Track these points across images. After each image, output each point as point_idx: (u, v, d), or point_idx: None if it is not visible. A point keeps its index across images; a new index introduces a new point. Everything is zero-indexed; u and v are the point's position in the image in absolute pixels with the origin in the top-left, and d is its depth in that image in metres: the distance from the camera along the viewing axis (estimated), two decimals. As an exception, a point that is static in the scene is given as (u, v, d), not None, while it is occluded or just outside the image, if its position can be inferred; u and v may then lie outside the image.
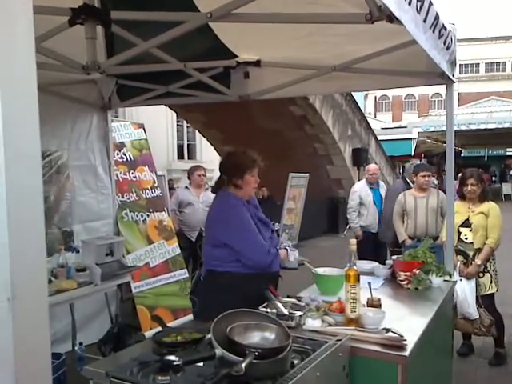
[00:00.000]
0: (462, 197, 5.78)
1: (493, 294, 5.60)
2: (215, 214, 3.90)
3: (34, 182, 1.06)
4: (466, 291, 5.34)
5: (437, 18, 3.25)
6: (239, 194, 3.85)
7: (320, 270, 3.92)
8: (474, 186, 5.61)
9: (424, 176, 6.94)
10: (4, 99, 0.99)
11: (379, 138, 22.19)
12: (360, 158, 17.89)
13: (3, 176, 0.99)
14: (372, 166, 9.02)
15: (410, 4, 2.69)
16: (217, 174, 3.96)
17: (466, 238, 5.61)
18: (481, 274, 5.55)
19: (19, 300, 1.02)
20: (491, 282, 5.55)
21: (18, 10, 1.01)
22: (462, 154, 35.46)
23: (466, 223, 5.61)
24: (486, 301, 5.49)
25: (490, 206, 5.67)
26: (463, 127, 28.09)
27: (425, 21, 3.05)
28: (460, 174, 6.09)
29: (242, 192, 3.86)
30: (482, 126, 30.08)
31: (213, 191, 4.07)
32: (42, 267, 1.10)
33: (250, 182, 3.86)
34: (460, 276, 5.38)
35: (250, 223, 3.74)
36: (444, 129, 4.84)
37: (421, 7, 2.89)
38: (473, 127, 29.69)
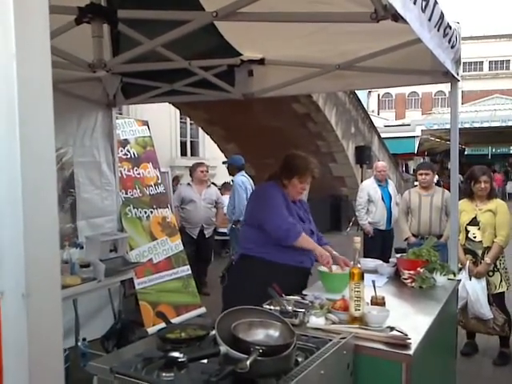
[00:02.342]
0: (469, 195, 5.73)
1: (503, 292, 5.58)
2: (253, 194, 4.30)
3: (48, 180, 1.07)
4: (477, 291, 5.32)
5: (442, 16, 3.26)
6: (284, 191, 4.05)
7: (325, 268, 3.92)
8: (488, 184, 5.56)
9: (421, 174, 6.99)
10: (20, 98, 1.00)
11: (382, 135, 22.13)
12: (363, 155, 17.87)
13: (19, 174, 1.00)
14: (380, 164, 9.05)
15: (415, 3, 2.69)
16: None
17: (475, 237, 5.56)
18: (490, 273, 5.51)
19: (33, 297, 1.04)
20: (501, 280, 5.51)
21: (34, 8, 1.03)
22: (466, 152, 35.38)
23: (474, 221, 5.56)
24: (496, 299, 5.47)
25: (497, 204, 5.61)
26: (467, 125, 28.05)
27: (430, 19, 3.05)
28: (468, 172, 5.96)
29: (285, 191, 4.06)
30: (486, 124, 30.03)
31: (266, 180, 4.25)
32: (55, 264, 1.11)
33: (296, 186, 4.06)
34: (469, 275, 5.37)
35: (279, 202, 3.91)
36: (447, 127, 4.86)
37: (426, 6, 2.89)
38: (476, 125, 29.64)
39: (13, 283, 1.04)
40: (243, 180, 8.34)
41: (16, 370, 1.05)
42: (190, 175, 8.66)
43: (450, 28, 3.60)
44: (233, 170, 8.56)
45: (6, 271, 1.06)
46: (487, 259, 5.44)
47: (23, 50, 1.01)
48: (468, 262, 5.43)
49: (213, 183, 14.07)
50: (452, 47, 3.86)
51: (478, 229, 5.54)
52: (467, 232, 5.58)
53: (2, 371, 1.06)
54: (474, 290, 5.31)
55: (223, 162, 9.23)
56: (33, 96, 1.04)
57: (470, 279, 5.35)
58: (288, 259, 3.87)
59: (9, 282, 1.05)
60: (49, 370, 1.10)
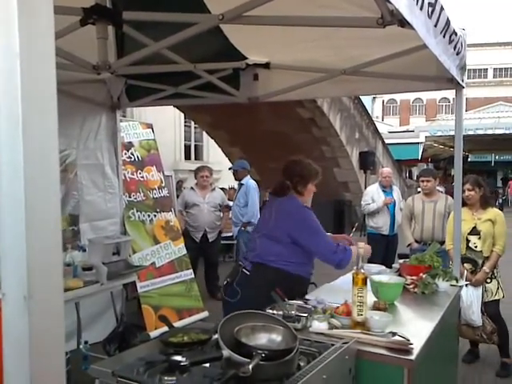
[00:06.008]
0: (465, 203, 5.72)
1: (498, 300, 5.56)
2: (288, 212, 3.92)
3: (51, 181, 1.07)
4: (471, 297, 5.31)
5: (448, 23, 3.25)
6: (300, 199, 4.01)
7: (378, 277, 3.82)
8: (471, 191, 5.58)
9: (423, 181, 7.04)
10: (24, 97, 1.00)
11: (386, 141, 22.14)
12: (367, 161, 17.87)
13: (22, 175, 1.00)
14: (385, 170, 9.08)
15: (421, 9, 2.68)
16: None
17: (476, 246, 5.54)
18: (488, 280, 5.50)
19: (35, 299, 1.03)
20: (498, 288, 5.51)
21: (38, 6, 1.03)
22: (469, 159, 35.34)
23: (475, 231, 5.55)
24: (491, 307, 5.45)
25: (496, 213, 5.64)
26: (470, 132, 28.02)
27: (436, 25, 3.05)
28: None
29: (302, 199, 4.02)
30: (490, 132, 30.01)
31: (275, 194, 4.08)
32: (58, 266, 1.10)
33: (311, 191, 4.08)
34: (466, 282, 5.35)
35: (318, 224, 3.93)
36: (451, 133, 4.86)
37: (432, 12, 2.89)
38: (480, 132, 29.62)
39: (14, 285, 1.04)
40: (255, 183, 8.66)
41: (17, 372, 1.05)
42: (195, 178, 8.69)
43: (456, 34, 3.60)
44: (243, 173, 8.67)
45: (8, 273, 1.05)
46: (486, 268, 5.45)
47: (27, 48, 1.00)
48: (466, 272, 5.39)
49: (222, 188, 14.09)
50: (457, 54, 3.86)
51: (479, 238, 5.53)
52: (467, 241, 5.57)
53: (3, 373, 1.06)
54: (469, 297, 5.31)
55: (230, 168, 9.24)
56: (36, 95, 1.03)
57: (467, 286, 5.34)
58: (304, 271, 3.90)
59: (10, 283, 1.05)
60: (50, 372, 1.09)
